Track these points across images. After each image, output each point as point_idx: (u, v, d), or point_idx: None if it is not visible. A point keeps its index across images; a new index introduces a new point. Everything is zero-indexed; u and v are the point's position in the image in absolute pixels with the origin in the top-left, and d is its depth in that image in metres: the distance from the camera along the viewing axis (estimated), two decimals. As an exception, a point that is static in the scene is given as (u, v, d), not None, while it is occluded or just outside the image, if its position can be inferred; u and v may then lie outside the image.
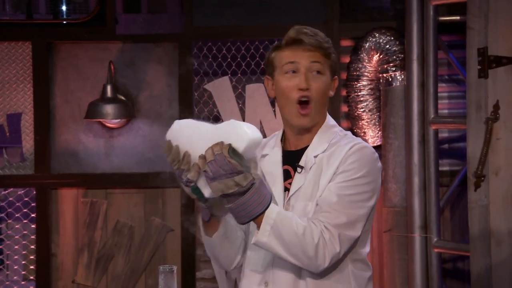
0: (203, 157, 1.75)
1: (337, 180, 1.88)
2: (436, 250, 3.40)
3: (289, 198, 1.92)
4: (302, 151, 1.96)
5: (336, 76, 1.99)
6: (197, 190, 1.80)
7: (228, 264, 1.98)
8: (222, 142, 1.73)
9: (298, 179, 1.93)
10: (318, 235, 1.81)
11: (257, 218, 1.80)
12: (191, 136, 1.79)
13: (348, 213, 1.85)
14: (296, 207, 1.91)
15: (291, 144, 1.99)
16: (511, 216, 2.92)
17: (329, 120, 2.01)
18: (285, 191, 1.94)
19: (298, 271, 1.90)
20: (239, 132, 1.76)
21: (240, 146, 1.75)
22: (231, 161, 1.72)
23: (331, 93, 1.98)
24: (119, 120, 3.71)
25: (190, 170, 1.77)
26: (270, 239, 1.80)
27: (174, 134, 1.82)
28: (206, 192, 1.80)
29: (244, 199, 1.76)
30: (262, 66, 3.71)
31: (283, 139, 2.01)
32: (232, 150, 1.73)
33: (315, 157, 1.93)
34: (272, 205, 1.81)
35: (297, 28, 1.94)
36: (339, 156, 1.91)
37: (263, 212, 1.78)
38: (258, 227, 1.81)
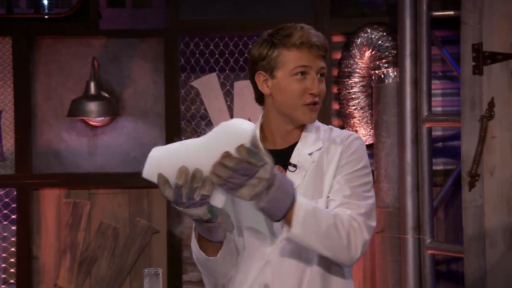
0: (217, 172, 1.70)
1: (344, 173, 1.92)
2: (429, 251, 3.40)
3: None
4: (289, 150, 1.96)
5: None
6: (210, 207, 1.77)
7: (225, 277, 1.97)
8: (242, 145, 1.69)
9: (292, 178, 1.91)
10: (348, 225, 1.84)
11: (288, 211, 1.78)
12: (178, 158, 1.74)
13: (363, 203, 1.90)
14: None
15: (275, 143, 1.99)
16: (506, 216, 2.92)
17: None
18: None
19: (302, 272, 1.90)
20: (236, 131, 1.73)
21: (244, 140, 1.72)
22: (250, 161, 1.69)
23: None
24: (102, 118, 3.70)
25: (204, 185, 1.72)
26: (304, 231, 1.78)
27: (154, 167, 1.75)
28: (219, 202, 1.77)
29: (273, 193, 1.73)
30: (251, 62, 3.69)
31: (262, 138, 2.01)
32: (247, 151, 1.70)
33: (309, 154, 1.95)
34: (298, 195, 1.80)
35: (303, 28, 1.94)
36: (336, 149, 1.95)
37: (293, 203, 1.77)
38: (288, 220, 1.78)
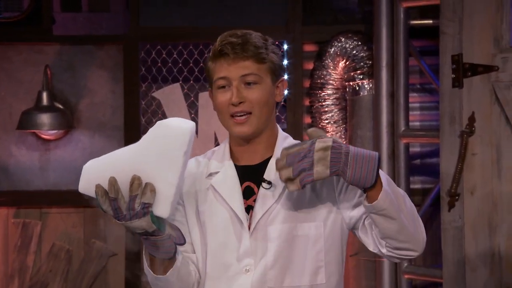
0: (282, 176, 1.75)
1: (356, 198, 1.90)
2: (406, 276, 3.40)
3: (260, 218, 1.89)
4: (262, 166, 1.94)
5: (282, 78, 1.97)
6: (155, 217, 1.74)
7: None
8: (282, 149, 1.75)
9: (267, 196, 1.90)
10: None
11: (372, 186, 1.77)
12: (115, 167, 1.72)
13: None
14: (275, 228, 1.89)
15: (244, 159, 1.97)
16: (488, 239, 2.93)
17: (280, 130, 2.01)
18: (248, 209, 1.91)
19: None
20: (174, 130, 1.73)
21: (183, 143, 1.73)
22: (296, 148, 1.73)
23: (278, 98, 1.97)
24: (56, 131, 3.68)
25: (144, 192, 1.72)
26: (391, 197, 1.77)
27: (90, 180, 1.73)
28: (165, 210, 1.74)
29: (350, 153, 1.73)
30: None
31: (232, 155, 1.99)
32: (287, 148, 1.75)
33: None
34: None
35: (222, 37, 1.92)
36: None
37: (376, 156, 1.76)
38: (374, 179, 1.75)
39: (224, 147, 1.98)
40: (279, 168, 1.75)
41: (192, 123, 1.76)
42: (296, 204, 1.90)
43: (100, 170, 1.73)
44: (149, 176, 1.72)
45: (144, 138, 1.75)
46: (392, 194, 1.78)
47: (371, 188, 1.77)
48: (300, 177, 1.73)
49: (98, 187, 1.72)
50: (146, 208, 1.73)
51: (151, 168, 1.72)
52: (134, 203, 1.72)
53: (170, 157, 1.73)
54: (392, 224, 1.80)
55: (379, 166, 1.76)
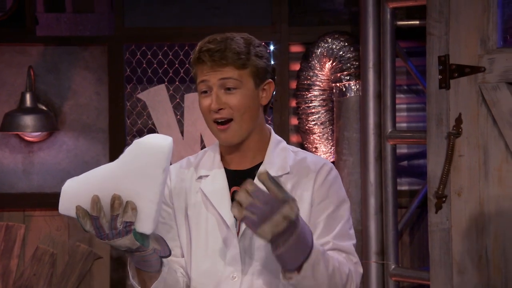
0: (238, 198, 1.68)
1: (326, 213, 1.89)
2: (393, 278, 3.40)
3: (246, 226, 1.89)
4: (252, 170, 1.93)
5: (269, 80, 1.95)
6: (138, 234, 1.74)
7: None
8: (264, 172, 1.67)
9: None
10: (347, 271, 1.84)
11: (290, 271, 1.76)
12: (94, 187, 1.72)
13: (349, 243, 1.91)
14: None
15: (234, 163, 1.96)
16: (475, 241, 2.94)
17: (273, 134, 2.00)
18: None
19: None
20: (152, 148, 1.72)
21: (162, 160, 1.72)
22: (275, 191, 1.67)
23: (264, 101, 1.94)
24: (39, 133, 3.66)
25: (125, 211, 1.72)
26: (313, 273, 1.76)
27: (70, 200, 1.72)
28: (147, 228, 1.74)
29: (295, 240, 1.70)
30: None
31: (222, 159, 1.99)
32: (270, 178, 1.67)
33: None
34: (314, 241, 1.78)
35: (202, 43, 1.91)
36: (308, 182, 1.91)
37: (311, 250, 1.74)
38: (295, 267, 1.75)
39: (215, 150, 1.98)
40: (243, 191, 1.69)
41: (170, 139, 1.76)
42: None
43: (80, 190, 1.73)
44: (129, 194, 1.73)
45: (122, 156, 1.75)
46: (318, 271, 1.76)
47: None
48: (248, 218, 1.68)
49: (79, 208, 1.71)
50: (129, 227, 1.72)
51: (131, 187, 1.73)
52: (116, 222, 1.72)
53: (149, 175, 1.74)
54: None
55: (306, 260, 1.74)
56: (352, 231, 1.93)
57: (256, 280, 1.88)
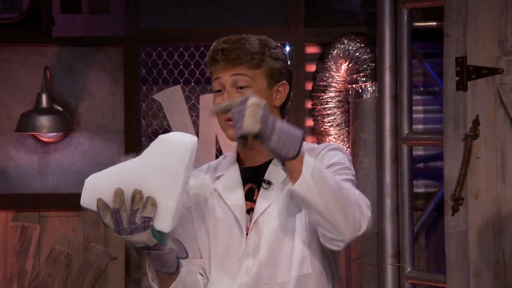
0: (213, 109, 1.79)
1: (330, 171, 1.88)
2: (409, 281, 3.39)
3: (257, 218, 1.91)
4: (264, 166, 1.96)
5: (283, 82, 1.96)
6: (155, 231, 1.75)
7: None
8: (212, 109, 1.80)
9: (265, 196, 1.92)
10: (357, 193, 1.81)
11: (293, 159, 1.74)
12: (116, 181, 1.73)
13: (356, 191, 1.87)
14: (268, 226, 1.90)
15: (248, 161, 1.99)
16: (492, 243, 2.93)
17: None
18: (249, 211, 1.93)
19: None
20: (175, 145, 1.74)
21: (185, 158, 1.74)
22: (229, 104, 1.75)
23: (278, 102, 1.96)
24: (55, 133, 3.67)
25: (145, 206, 1.73)
26: (314, 179, 1.73)
27: (92, 194, 1.74)
28: (165, 225, 1.75)
29: (280, 124, 1.72)
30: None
31: (238, 158, 2.01)
32: (219, 105, 1.79)
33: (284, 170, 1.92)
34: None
35: (216, 42, 1.94)
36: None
37: (302, 141, 1.75)
38: (294, 171, 1.74)
39: (234, 151, 2.02)
40: (215, 111, 1.78)
41: (194, 138, 1.78)
42: (289, 199, 1.91)
43: (102, 184, 1.74)
44: (150, 190, 1.74)
45: (146, 152, 1.76)
46: (316, 184, 1.74)
47: (291, 163, 1.74)
48: (232, 123, 1.74)
49: (100, 201, 1.73)
50: (147, 222, 1.74)
51: (152, 183, 1.74)
52: (135, 217, 1.73)
53: (171, 172, 1.75)
54: (315, 214, 1.78)
55: (301, 144, 1.75)
56: (358, 191, 1.88)
57: (263, 270, 1.90)
